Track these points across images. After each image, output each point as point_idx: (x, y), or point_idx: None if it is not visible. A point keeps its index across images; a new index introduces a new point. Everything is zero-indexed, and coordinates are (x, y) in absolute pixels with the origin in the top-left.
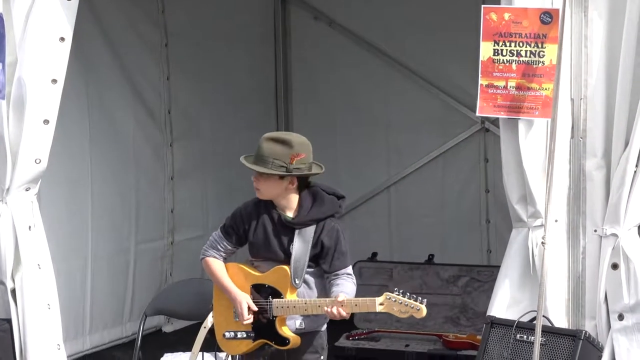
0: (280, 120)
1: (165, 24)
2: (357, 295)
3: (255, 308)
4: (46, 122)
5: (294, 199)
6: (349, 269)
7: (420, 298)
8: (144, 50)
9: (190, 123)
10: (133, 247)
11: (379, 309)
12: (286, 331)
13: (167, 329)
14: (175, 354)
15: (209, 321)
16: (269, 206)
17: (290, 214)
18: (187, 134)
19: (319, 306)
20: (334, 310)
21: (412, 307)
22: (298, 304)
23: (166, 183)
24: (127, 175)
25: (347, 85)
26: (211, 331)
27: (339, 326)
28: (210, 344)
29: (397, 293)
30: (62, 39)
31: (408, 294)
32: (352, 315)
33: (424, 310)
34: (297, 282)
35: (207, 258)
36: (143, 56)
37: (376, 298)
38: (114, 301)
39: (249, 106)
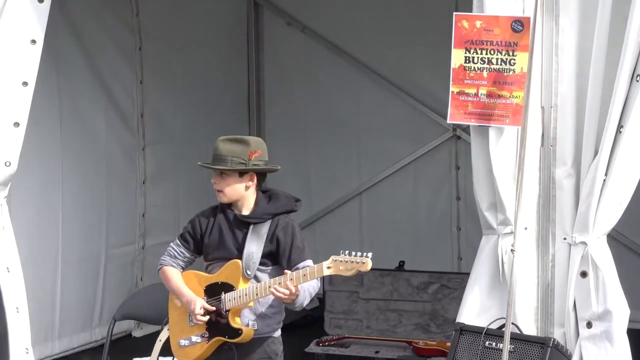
0: (252, 125)
1: (139, 27)
2: (328, 301)
3: (211, 308)
4: (16, 124)
5: (252, 199)
6: (309, 262)
7: (366, 254)
8: (118, 53)
9: (163, 127)
10: (104, 251)
11: (327, 272)
12: (238, 322)
13: (137, 333)
14: (144, 358)
15: (164, 334)
16: (225, 208)
17: (246, 212)
18: (159, 138)
19: (269, 287)
20: (281, 287)
21: (357, 262)
22: (249, 291)
23: (138, 187)
24: (99, 179)
25: (320, 91)
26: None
27: (310, 332)
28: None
29: (342, 253)
30: (34, 41)
31: (354, 252)
32: (322, 321)
33: (369, 263)
34: (248, 273)
35: (164, 267)
36: (117, 60)
37: (323, 262)
38: (83, 305)
39: (221, 110)
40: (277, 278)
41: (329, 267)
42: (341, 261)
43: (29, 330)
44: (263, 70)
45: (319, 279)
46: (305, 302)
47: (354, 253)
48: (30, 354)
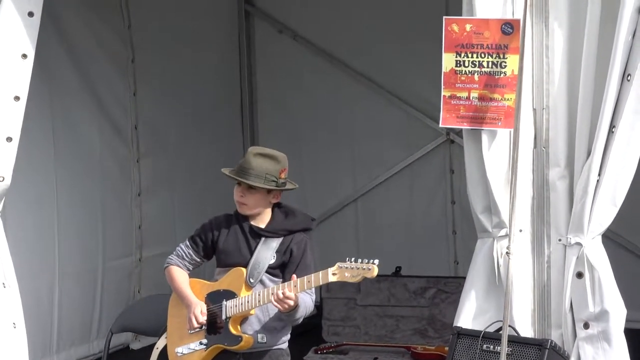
0: (245, 134)
1: (131, 39)
2: (325, 308)
3: (204, 310)
4: (9, 139)
5: (269, 214)
6: None
7: (372, 260)
8: (110, 65)
9: (157, 138)
10: (100, 264)
11: (332, 279)
12: (239, 330)
13: (135, 346)
14: None
15: (161, 341)
16: (240, 219)
17: (262, 224)
18: (154, 150)
19: (271, 294)
20: (280, 292)
21: (363, 269)
22: (250, 299)
23: (133, 199)
24: (94, 192)
25: (313, 98)
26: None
27: (308, 340)
28: None
29: (348, 260)
30: (24, 55)
31: (360, 259)
32: (320, 328)
33: (375, 270)
34: (252, 281)
35: (171, 266)
36: (109, 72)
37: (329, 269)
38: (81, 319)
39: (215, 120)
40: (279, 285)
41: (334, 274)
42: (347, 268)
43: (26, 346)
44: (255, 78)
45: (313, 298)
46: (301, 319)
47: (360, 260)
48: None
